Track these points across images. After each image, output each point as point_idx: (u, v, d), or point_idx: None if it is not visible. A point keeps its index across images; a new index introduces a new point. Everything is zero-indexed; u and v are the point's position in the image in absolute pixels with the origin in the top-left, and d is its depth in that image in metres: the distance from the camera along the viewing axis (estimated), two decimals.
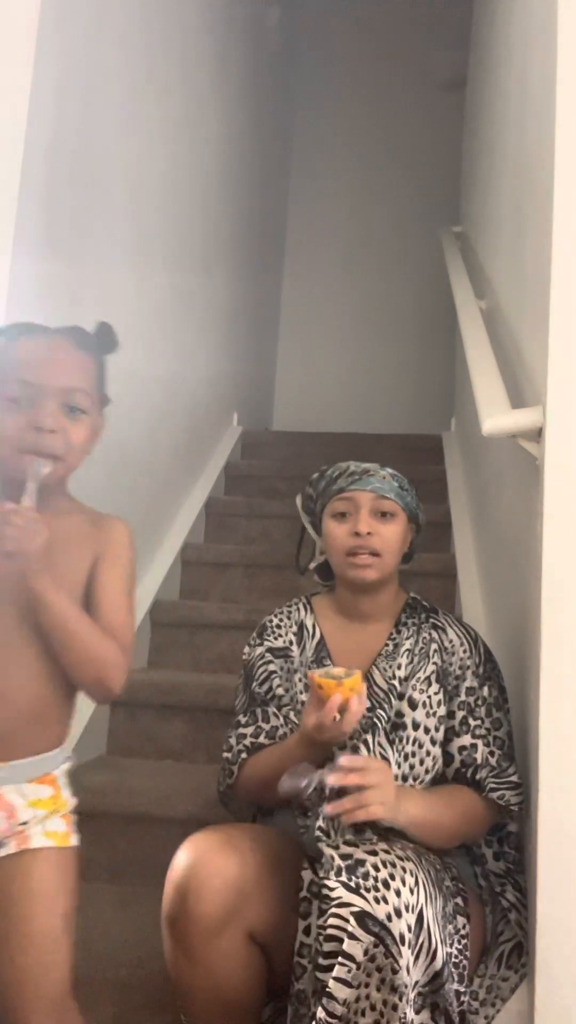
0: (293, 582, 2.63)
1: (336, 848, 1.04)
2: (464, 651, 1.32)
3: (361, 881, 0.98)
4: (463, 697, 1.28)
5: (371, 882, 0.98)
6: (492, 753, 1.25)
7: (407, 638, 1.33)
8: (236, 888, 1.09)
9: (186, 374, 2.89)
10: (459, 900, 1.15)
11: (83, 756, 1.95)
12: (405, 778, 1.24)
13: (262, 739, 1.29)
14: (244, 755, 1.29)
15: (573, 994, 1.09)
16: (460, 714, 1.27)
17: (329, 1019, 0.96)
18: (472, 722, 1.27)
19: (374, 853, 1.02)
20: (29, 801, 1.03)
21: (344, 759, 1.09)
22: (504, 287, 1.92)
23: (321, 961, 0.98)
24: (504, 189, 1.99)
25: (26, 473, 0.99)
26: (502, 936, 1.21)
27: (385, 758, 1.23)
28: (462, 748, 1.25)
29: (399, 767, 1.24)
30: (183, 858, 1.11)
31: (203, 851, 1.11)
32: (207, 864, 1.09)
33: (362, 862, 1.01)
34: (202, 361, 3.11)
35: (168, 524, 2.75)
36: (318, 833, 1.10)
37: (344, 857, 1.01)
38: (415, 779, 1.24)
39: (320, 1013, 0.96)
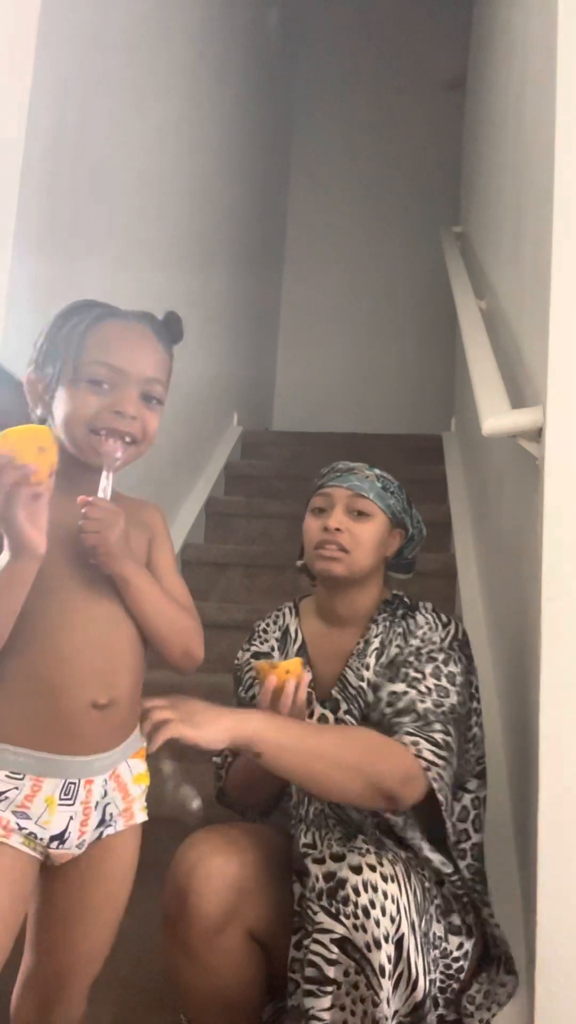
0: (293, 582, 2.63)
1: (322, 862, 1.02)
2: (429, 628, 1.26)
3: (341, 907, 0.97)
4: (408, 657, 1.22)
5: (351, 908, 0.97)
6: (422, 701, 1.16)
7: (376, 635, 1.29)
8: (237, 887, 1.09)
9: (186, 374, 2.88)
10: (454, 919, 1.13)
11: None
12: None
13: None
14: (230, 759, 1.29)
15: (573, 994, 1.09)
16: (402, 670, 1.21)
17: None
18: (412, 674, 1.19)
19: (358, 870, 0.99)
20: (134, 776, 1.03)
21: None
22: (504, 287, 1.92)
23: (305, 986, 0.97)
24: (504, 189, 1.99)
25: (100, 459, 0.99)
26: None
27: None
28: (392, 693, 1.18)
29: None
30: (183, 857, 1.11)
31: (203, 850, 1.11)
32: (207, 863, 1.09)
33: (343, 884, 0.98)
34: (202, 361, 3.11)
35: (168, 524, 2.75)
36: (304, 849, 1.10)
37: (327, 877, 1.00)
38: None
39: None
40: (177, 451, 2.81)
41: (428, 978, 0.99)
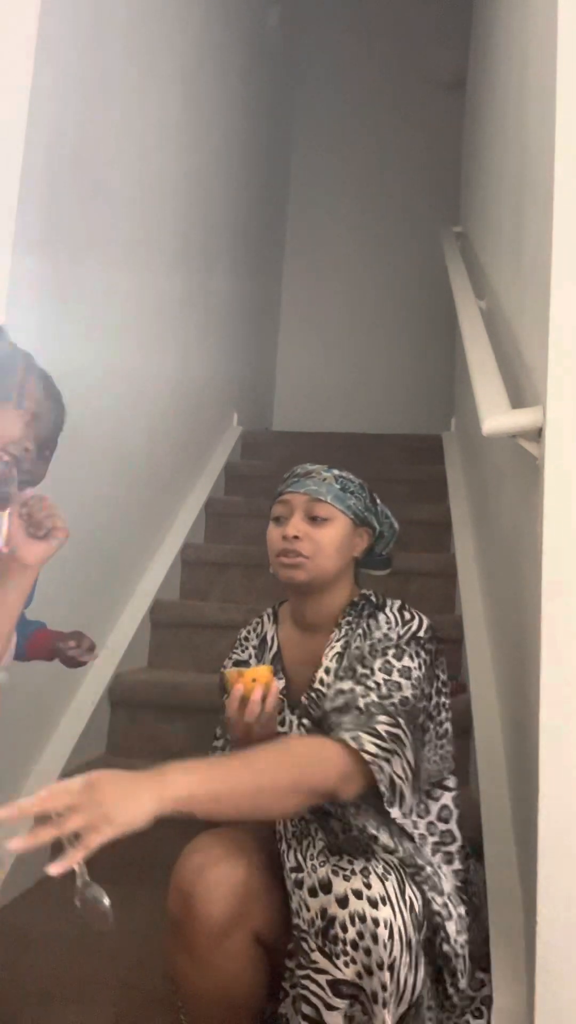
0: None
1: (315, 894, 0.99)
2: (389, 627, 1.24)
3: (332, 946, 0.96)
4: (361, 654, 1.21)
5: (340, 946, 0.95)
6: (366, 696, 1.13)
7: (339, 639, 1.27)
8: (243, 891, 1.08)
9: (186, 374, 2.89)
10: (462, 909, 1.13)
11: (83, 756, 1.95)
12: None
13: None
14: None
15: (573, 994, 1.09)
16: (353, 667, 1.19)
17: None
18: (360, 670, 1.17)
19: (344, 903, 0.96)
20: None
21: (20, 803, 0.86)
22: (504, 287, 1.92)
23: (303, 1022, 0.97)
24: (504, 189, 1.99)
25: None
26: None
27: None
28: (339, 691, 1.16)
29: None
30: (189, 861, 1.10)
31: (210, 854, 1.09)
32: (214, 867, 1.08)
33: (332, 922, 0.96)
34: (202, 361, 3.11)
35: (168, 524, 2.75)
36: (292, 875, 1.08)
37: (321, 914, 0.98)
38: None
39: None
40: (177, 451, 2.82)
41: (417, 985, 0.98)
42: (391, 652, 1.19)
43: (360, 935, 0.94)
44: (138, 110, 2.24)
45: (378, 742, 1.09)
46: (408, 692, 1.15)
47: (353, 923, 0.95)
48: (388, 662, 1.18)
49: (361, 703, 1.13)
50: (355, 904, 0.96)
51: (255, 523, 3.05)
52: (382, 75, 4.75)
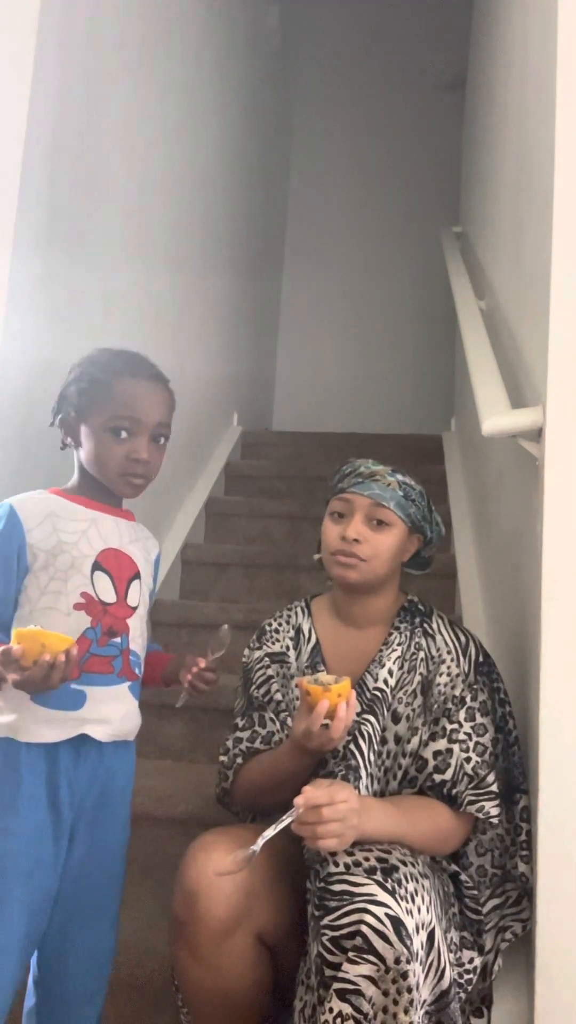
0: (293, 582, 2.63)
1: (370, 850, 1.03)
2: (452, 660, 1.28)
3: (396, 887, 0.97)
4: (444, 703, 1.24)
5: (403, 891, 0.97)
6: (468, 759, 1.20)
7: (398, 644, 1.30)
8: (246, 890, 1.08)
9: (186, 374, 2.88)
10: (466, 934, 1.14)
11: None
12: (382, 793, 1.23)
13: (258, 744, 1.28)
14: (240, 760, 1.28)
15: (573, 994, 1.09)
16: (442, 720, 1.23)
17: (356, 1015, 0.94)
18: (449, 727, 1.22)
19: (404, 863, 1.01)
20: None
21: (305, 793, 1.02)
22: (504, 287, 1.92)
23: (331, 957, 0.95)
24: (504, 189, 1.99)
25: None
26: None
27: (371, 774, 1.21)
28: (437, 753, 1.21)
29: (378, 782, 1.23)
30: (193, 860, 1.10)
31: (214, 853, 1.09)
32: (218, 866, 1.08)
33: (396, 868, 1.00)
34: (202, 361, 3.11)
35: (168, 524, 2.75)
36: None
37: (380, 860, 1.01)
38: (390, 792, 1.23)
39: (346, 1008, 0.94)
40: (177, 451, 2.81)
41: (454, 970, 1.01)
42: (468, 697, 1.24)
43: (416, 892, 0.98)
44: (138, 111, 2.24)
45: (496, 803, 1.18)
46: (491, 730, 1.23)
47: (411, 879, 0.99)
48: (470, 710, 1.23)
49: (469, 769, 1.19)
50: (411, 868, 1.01)
51: (255, 523, 3.06)
52: (382, 75, 4.75)
